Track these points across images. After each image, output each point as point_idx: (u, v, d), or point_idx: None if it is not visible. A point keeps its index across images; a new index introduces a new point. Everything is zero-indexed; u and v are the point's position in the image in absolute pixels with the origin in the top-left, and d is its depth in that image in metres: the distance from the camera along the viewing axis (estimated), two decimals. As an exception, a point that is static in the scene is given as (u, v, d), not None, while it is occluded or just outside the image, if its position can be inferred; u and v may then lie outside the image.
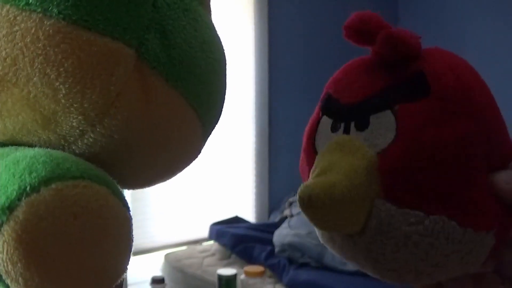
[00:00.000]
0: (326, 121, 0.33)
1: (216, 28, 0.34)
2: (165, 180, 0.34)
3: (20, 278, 0.23)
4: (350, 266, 1.90)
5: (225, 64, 0.35)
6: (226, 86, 0.35)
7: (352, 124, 0.31)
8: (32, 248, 0.23)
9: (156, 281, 1.66)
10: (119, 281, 0.27)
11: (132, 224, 0.27)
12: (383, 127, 0.30)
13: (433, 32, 2.82)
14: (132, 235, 0.27)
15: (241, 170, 2.61)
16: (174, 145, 0.31)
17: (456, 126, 0.29)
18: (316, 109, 0.36)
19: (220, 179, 2.51)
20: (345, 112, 0.32)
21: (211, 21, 0.34)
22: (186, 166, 0.35)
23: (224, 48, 0.35)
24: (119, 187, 0.28)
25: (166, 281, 1.73)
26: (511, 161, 0.31)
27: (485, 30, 2.70)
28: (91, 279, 0.25)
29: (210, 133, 0.35)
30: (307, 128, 0.35)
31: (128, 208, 0.27)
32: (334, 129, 0.32)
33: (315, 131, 0.34)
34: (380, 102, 0.30)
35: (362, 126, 0.31)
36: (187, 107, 0.31)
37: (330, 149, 0.31)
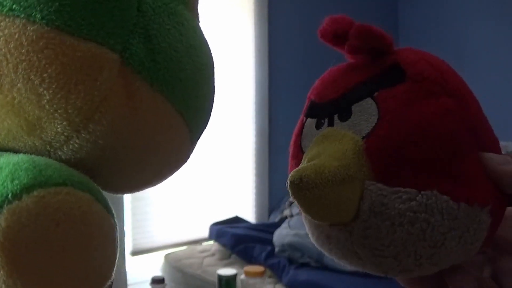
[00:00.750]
0: (310, 122, 0.34)
1: (203, 33, 0.34)
2: (153, 185, 0.34)
3: (3, 286, 0.23)
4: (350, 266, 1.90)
5: (213, 68, 0.34)
6: (214, 90, 0.35)
7: (336, 117, 0.32)
8: (15, 255, 0.23)
9: (156, 281, 1.66)
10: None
11: (117, 231, 0.27)
12: (365, 113, 0.31)
13: (433, 33, 2.81)
14: (117, 242, 0.27)
15: (241, 170, 2.61)
16: (160, 150, 0.31)
17: (436, 103, 0.30)
18: (300, 117, 0.36)
19: (220, 179, 2.51)
20: (328, 108, 0.33)
21: (198, 25, 0.34)
22: (174, 171, 0.34)
23: (211, 52, 0.34)
24: (103, 194, 0.27)
25: (166, 281, 1.73)
26: (496, 149, 0.32)
27: (485, 30, 2.69)
28: (75, 286, 0.25)
29: (199, 138, 0.34)
30: (293, 136, 0.36)
31: (112, 214, 0.27)
32: (318, 126, 0.33)
33: (300, 135, 0.35)
34: (360, 91, 0.31)
35: (345, 116, 0.31)
36: (173, 112, 0.30)
37: (317, 142, 0.31)
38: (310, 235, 0.34)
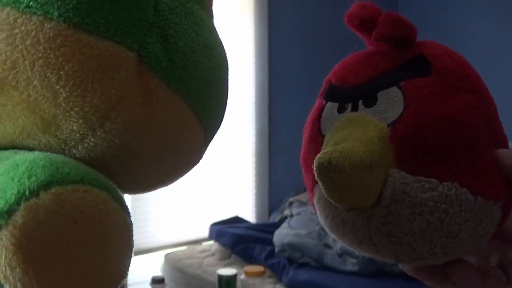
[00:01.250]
0: (331, 106, 0.34)
1: (218, 32, 0.34)
2: (166, 185, 0.34)
3: (18, 283, 0.23)
4: (350, 266, 1.90)
5: (227, 68, 0.34)
6: (228, 90, 0.35)
7: (360, 102, 0.32)
8: (31, 253, 0.23)
9: (156, 281, 1.66)
10: (119, 286, 0.27)
11: (132, 229, 0.27)
12: (391, 101, 0.31)
13: (433, 32, 2.82)
14: (133, 240, 0.27)
15: (241, 170, 2.61)
16: (175, 149, 0.31)
17: (459, 98, 0.30)
18: (317, 101, 0.36)
19: (220, 179, 2.51)
20: (351, 93, 0.33)
21: (213, 25, 0.34)
22: (188, 171, 0.34)
23: (226, 52, 0.34)
24: (119, 192, 0.27)
25: (166, 281, 1.73)
26: (506, 146, 0.32)
27: (485, 30, 2.70)
28: (90, 284, 0.25)
29: (212, 138, 0.34)
30: (309, 119, 0.36)
31: (128, 213, 0.27)
32: (340, 110, 0.33)
33: (319, 118, 0.35)
34: (386, 79, 0.32)
35: (370, 102, 0.32)
36: (188, 112, 0.30)
37: (340, 126, 0.32)
38: (322, 219, 0.34)
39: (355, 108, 0.32)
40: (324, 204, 0.33)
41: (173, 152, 0.31)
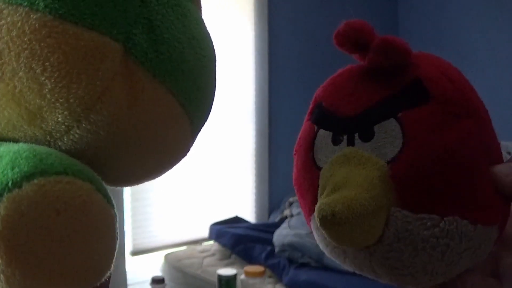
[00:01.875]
0: (325, 135, 0.33)
1: (206, 24, 0.34)
2: (153, 178, 0.34)
3: (1, 275, 0.23)
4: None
5: (215, 60, 0.34)
6: (216, 83, 0.35)
7: (356, 136, 0.31)
8: (14, 244, 0.23)
9: (156, 281, 1.66)
10: (103, 279, 0.26)
11: (117, 221, 0.27)
12: (389, 135, 0.30)
13: (433, 33, 2.82)
14: (117, 232, 0.27)
15: (241, 170, 2.61)
16: (161, 142, 0.31)
17: (459, 127, 0.30)
18: (307, 121, 0.35)
19: (220, 179, 2.51)
20: (346, 124, 0.32)
21: (201, 17, 0.34)
22: (175, 164, 0.34)
23: (213, 44, 0.34)
24: (103, 184, 0.27)
25: (166, 281, 1.73)
26: (500, 156, 0.32)
27: (484, 31, 2.69)
28: (74, 276, 0.25)
29: (199, 130, 0.34)
30: (300, 143, 0.35)
31: (113, 205, 0.27)
32: (335, 142, 0.32)
33: (312, 145, 0.34)
34: (383, 111, 0.31)
35: (367, 137, 0.31)
36: (175, 103, 0.30)
37: (338, 162, 0.31)
38: (322, 246, 0.34)
39: (351, 142, 0.31)
40: (323, 236, 0.32)
41: (159, 144, 0.31)
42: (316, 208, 0.28)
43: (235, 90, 2.55)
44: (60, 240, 0.24)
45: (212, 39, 0.34)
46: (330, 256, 0.34)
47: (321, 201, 0.29)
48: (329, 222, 0.27)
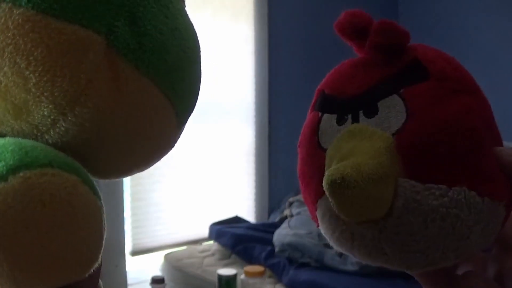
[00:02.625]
0: (328, 118, 0.34)
1: (188, 16, 0.34)
2: (140, 170, 0.34)
3: None
4: (350, 266, 1.90)
5: (199, 51, 0.34)
6: (201, 74, 0.35)
7: (361, 113, 0.32)
8: (1, 236, 0.23)
9: (156, 281, 1.66)
10: (91, 270, 0.27)
11: (103, 213, 0.27)
12: (393, 110, 0.31)
13: (433, 32, 2.82)
14: (104, 224, 0.27)
15: (241, 170, 2.61)
16: (147, 133, 0.31)
17: (459, 101, 0.31)
18: (311, 113, 0.36)
19: (220, 179, 2.51)
20: (350, 103, 0.33)
21: (183, 8, 0.34)
22: (162, 156, 0.34)
23: (197, 35, 0.34)
24: (89, 176, 0.27)
25: (166, 281, 1.73)
26: (501, 145, 0.33)
27: (485, 30, 2.70)
28: (61, 268, 0.25)
29: (185, 122, 0.34)
30: (304, 132, 0.35)
31: (99, 196, 0.27)
32: (340, 122, 0.33)
33: (317, 131, 0.34)
34: (385, 88, 0.32)
35: (372, 112, 0.32)
36: (159, 95, 0.30)
37: (343, 138, 0.31)
38: (328, 233, 0.33)
39: (356, 119, 0.32)
40: (330, 219, 0.32)
41: (145, 135, 0.31)
42: (324, 178, 0.28)
43: (235, 89, 2.55)
44: (46, 232, 0.24)
45: (196, 30, 0.34)
46: (337, 245, 0.33)
47: (329, 170, 0.29)
48: (338, 186, 0.27)
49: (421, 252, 0.30)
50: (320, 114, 0.35)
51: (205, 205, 2.45)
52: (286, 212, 2.32)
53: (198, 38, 0.35)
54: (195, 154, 2.35)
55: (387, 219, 0.30)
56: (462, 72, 0.32)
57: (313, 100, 0.36)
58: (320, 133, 0.34)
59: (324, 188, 0.29)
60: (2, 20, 0.26)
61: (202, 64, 0.35)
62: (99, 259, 0.27)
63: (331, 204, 0.29)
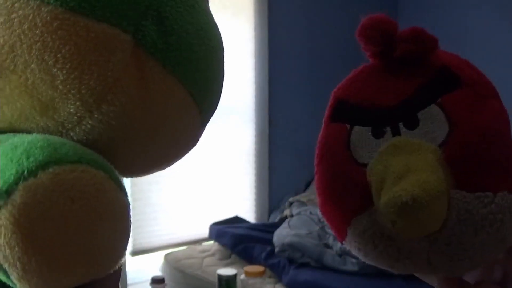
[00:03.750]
0: (361, 131, 0.32)
1: (213, 16, 0.34)
2: (163, 168, 0.34)
3: (18, 263, 0.23)
4: (350, 266, 1.90)
5: (223, 51, 0.35)
6: (224, 73, 0.35)
7: (401, 125, 0.31)
8: (30, 232, 0.23)
9: (156, 281, 1.66)
10: (117, 267, 0.27)
11: (130, 209, 0.27)
12: (435, 120, 0.31)
13: (433, 32, 2.82)
14: (130, 220, 0.27)
15: (241, 170, 2.61)
16: (172, 131, 0.31)
17: (489, 106, 0.31)
18: (330, 124, 0.34)
19: (220, 179, 2.51)
20: (387, 115, 0.32)
21: (208, 8, 0.34)
22: (185, 154, 0.35)
23: (221, 35, 0.35)
24: (116, 172, 0.28)
25: (166, 281, 1.73)
26: None
27: (485, 30, 2.70)
28: (88, 263, 0.25)
29: (208, 120, 0.35)
30: (327, 148, 0.34)
31: (126, 193, 0.27)
32: (377, 135, 0.32)
33: (347, 144, 0.33)
34: (423, 98, 0.31)
35: (413, 124, 0.31)
36: (184, 93, 0.31)
37: (388, 153, 0.30)
38: (368, 250, 0.32)
39: (396, 132, 0.31)
40: (373, 236, 0.31)
41: (170, 133, 0.31)
42: (387, 199, 0.27)
43: (235, 90, 2.55)
44: (74, 228, 0.24)
45: (219, 31, 0.35)
46: (376, 261, 0.32)
47: (391, 190, 0.28)
48: (410, 208, 0.27)
49: (468, 259, 0.30)
50: (348, 126, 0.33)
51: (205, 205, 2.44)
52: (286, 212, 2.32)
53: (222, 39, 0.35)
54: (195, 154, 2.34)
55: (440, 232, 0.30)
56: (483, 75, 0.33)
57: (329, 110, 0.35)
58: (352, 146, 0.33)
59: (385, 209, 0.28)
60: (30, 17, 0.26)
61: (225, 65, 0.35)
62: (125, 256, 0.28)
63: (389, 223, 0.29)
